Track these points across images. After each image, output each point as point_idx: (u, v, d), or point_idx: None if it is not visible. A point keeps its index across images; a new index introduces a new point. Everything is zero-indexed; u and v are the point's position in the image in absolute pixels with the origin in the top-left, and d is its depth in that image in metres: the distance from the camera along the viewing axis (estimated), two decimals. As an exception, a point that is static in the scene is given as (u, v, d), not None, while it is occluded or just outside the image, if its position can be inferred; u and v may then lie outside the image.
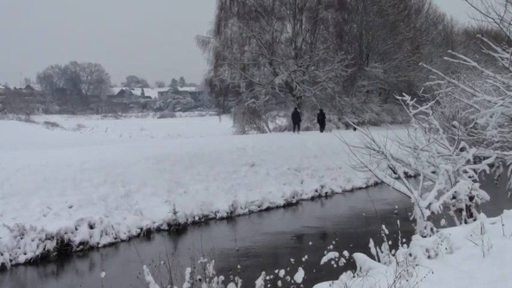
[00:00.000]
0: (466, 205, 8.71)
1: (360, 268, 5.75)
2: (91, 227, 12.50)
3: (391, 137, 9.92)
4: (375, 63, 40.12)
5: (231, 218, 15.46)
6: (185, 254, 5.75)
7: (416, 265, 5.33)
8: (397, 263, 5.32)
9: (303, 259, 5.17)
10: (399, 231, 6.03)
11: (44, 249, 11.44)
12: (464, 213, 8.63)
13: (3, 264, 10.78)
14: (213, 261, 5.42)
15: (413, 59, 39.42)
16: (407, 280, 5.11)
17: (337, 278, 5.19)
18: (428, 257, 6.26)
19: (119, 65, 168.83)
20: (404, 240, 6.13)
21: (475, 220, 8.32)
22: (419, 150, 9.62)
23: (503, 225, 6.78)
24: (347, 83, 36.71)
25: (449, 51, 12.56)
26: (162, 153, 17.61)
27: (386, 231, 5.99)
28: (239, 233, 13.64)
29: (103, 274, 4.99)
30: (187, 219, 14.31)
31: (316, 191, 19.04)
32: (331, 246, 5.44)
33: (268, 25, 34.66)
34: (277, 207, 16.95)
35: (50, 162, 14.68)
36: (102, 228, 12.59)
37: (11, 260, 10.94)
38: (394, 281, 4.93)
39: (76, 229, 12.26)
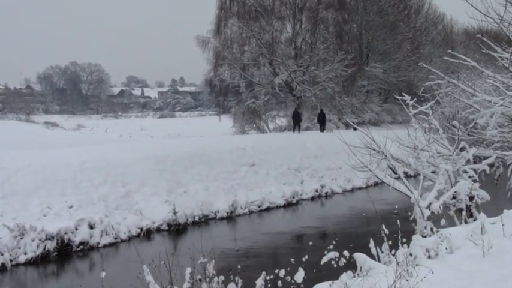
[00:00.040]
0: (466, 205, 8.71)
1: (360, 268, 5.75)
2: (91, 227, 12.50)
3: (391, 137, 9.92)
4: (374, 63, 40.13)
5: (231, 218, 15.46)
6: (185, 254, 5.75)
7: (416, 265, 5.33)
8: (397, 263, 5.32)
9: (303, 259, 5.17)
10: (399, 231, 6.03)
11: (44, 249, 11.44)
12: (464, 213, 8.63)
13: (3, 264, 10.77)
14: (213, 261, 5.42)
15: (413, 59, 39.43)
16: (407, 280, 5.11)
17: (337, 278, 5.19)
18: (429, 257, 6.27)
19: (119, 65, 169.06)
20: (404, 240, 6.13)
21: (475, 220, 8.32)
22: (419, 150, 9.63)
23: (503, 225, 6.78)
24: (347, 83, 36.72)
25: (449, 51, 12.55)
26: (162, 153, 17.61)
27: (387, 231, 5.99)
28: (239, 233, 13.64)
29: (103, 274, 4.99)
30: (187, 219, 14.31)
31: (316, 191, 19.04)
32: (331, 246, 5.44)
33: (268, 25, 34.66)
34: (277, 207, 16.95)
35: (50, 162, 14.68)
36: (102, 228, 12.59)
37: (11, 260, 10.94)
38: (394, 281, 4.93)
39: (76, 229, 12.26)
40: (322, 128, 30.55)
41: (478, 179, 9.36)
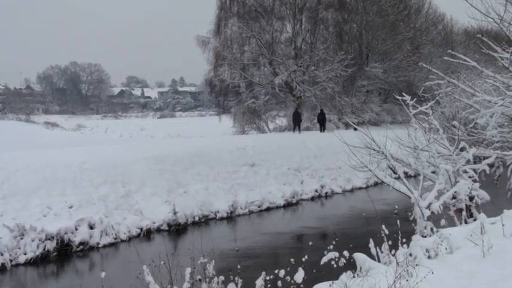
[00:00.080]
0: (466, 205, 8.71)
1: (360, 268, 5.75)
2: (91, 227, 12.50)
3: (391, 137, 9.92)
4: (374, 63, 40.14)
5: (231, 218, 15.46)
6: (185, 254, 5.75)
7: (416, 265, 5.33)
8: (397, 263, 5.32)
9: (303, 259, 5.17)
10: (399, 232, 6.03)
11: (44, 249, 11.44)
12: (464, 213, 8.63)
13: (3, 264, 10.77)
14: (213, 261, 5.42)
15: (413, 59, 39.43)
16: (407, 280, 5.11)
17: (337, 278, 5.19)
18: (429, 257, 6.27)
19: (119, 65, 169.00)
20: (404, 240, 6.13)
21: (475, 220, 8.32)
22: (419, 150, 9.62)
23: (503, 225, 6.78)
24: (347, 83, 36.72)
25: (449, 51, 12.55)
26: (162, 153, 17.61)
27: (387, 232, 5.98)
28: (239, 233, 13.64)
29: (103, 274, 4.99)
30: (187, 220, 14.31)
31: (316, 191, 19.04)
32: (331, 247, 5.44)
33: (268, 25, 34.66)
34: (277, 207, 16.95)
35: (50, 162, 14.68)
36: (102, 229, 12.59)
37: (11, 260, 10.94)
38: (394, 281, 4.93)
39: (76, 229, 12.26)
40: (323, 128, 30.55)
41: (478, 179, 9.36)
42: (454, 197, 8.65)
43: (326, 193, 19.26)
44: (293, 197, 17.74)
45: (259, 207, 16.49)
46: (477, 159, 12.92)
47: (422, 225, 7.82)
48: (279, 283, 5.11)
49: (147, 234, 13.41)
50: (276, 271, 5.06)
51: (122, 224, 13.19)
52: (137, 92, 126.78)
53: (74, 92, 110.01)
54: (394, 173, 9.51)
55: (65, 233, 11.95)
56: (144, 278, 5.13)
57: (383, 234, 6.02)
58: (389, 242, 6.14)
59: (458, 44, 48.33)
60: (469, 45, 44.62)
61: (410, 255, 5.98)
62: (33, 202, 12.78)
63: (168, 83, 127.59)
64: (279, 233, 13.64)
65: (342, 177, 20.56)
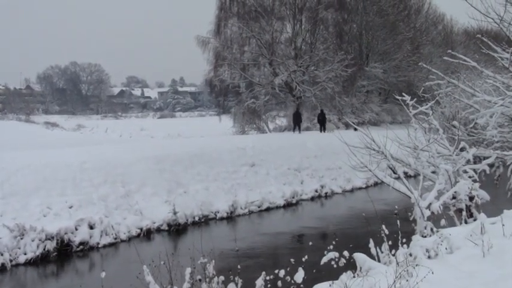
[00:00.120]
0: (466, 205, 8.71)
1: (360, 268, 5.75)
2: (91, 227, 12.50)
3: (391, 137, 9.92)
4: (374, 63, 40.14)
5: (231, 218, 15.46)
6: (185, 254, 5.75)
7: (416, 265, 5.33)
8: (397, 263, 5.32)
9: (303, 259, 5.17)
10: (399, 232, 6.02)
11: (44, 249, 11.44)
12: (464, 213, 8.63)
13: (3, 264, 10.77)
14: (213, 261, 5.42)
15: (413, 59, 39.44)
16: (407, 280, 5.11)
17: (337, 278, 5.19)
18: (429, 257, 6.26)
19: (119, 65, 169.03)
20: (404, 240, 6.13)
21: (475, 220, 8.32)
22: (419, 150, 9.63)
23: (503, 225, 6.78)
24: (347, 83, 36.72)
25: (449, 51, 12.56)
26: (162, 153, 17.61)
27: (387, 232, 5.98)
28: (239, 233, 13.64)
29: (103, 274, 4.99)
30: (187, 220, 14.30)
31: (316, 191, 19.04)
32: (331, 247, 5.44)
33: (268, 25, 34.66)
34: (277, 207, 16.95)
35: (50, 162, 14.68)
36: (102, 229, 12.59)
37: (11, 260, 10.94)
38: (394, 281, 4.93)
39: (76, 229, 12.25)
40: (323, 129, 30.55)
41: (478, 179, 9.36)
42: (454, 197, 8.65)
43: (326, 193, 19.26)
44: (293, 197, 17.74)
45: (259, 207, 16.49)
46: (477, 159, 12.93)
47: (422, 225, 7.82)
48: (279, 283, 5.11)
49: (147, 234, 13.41)
50: (276, 271, 5.06)
51: (121, 224, 13.19)
52: (137, 92, 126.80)
53: (74, 92, 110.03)
54: (394, 173, 9.52)
55: (65, 233, 11.95)
56: (144, 278, 5.13)
57: (383, 234, 6.02)
58: (390, 242, 6.14)
59: (458, 44, 48.33)
60: (469, 46, 44.64)
61: (410, 255, 5.98)
62: (33, 202, 12.78)
63: (168, 83, 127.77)
64: (279, 233, 13.64)
65: (342, 177, 20.56)
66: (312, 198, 18.57)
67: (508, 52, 10.53)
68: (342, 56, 34.22)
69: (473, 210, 8.84)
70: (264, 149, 20.57)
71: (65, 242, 11.89)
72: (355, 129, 10.60)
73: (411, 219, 8.10)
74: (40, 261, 11.29)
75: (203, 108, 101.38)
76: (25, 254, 11.20)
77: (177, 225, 13.97)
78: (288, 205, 17.29)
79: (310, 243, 7.07)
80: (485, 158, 10.76)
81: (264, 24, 34.65)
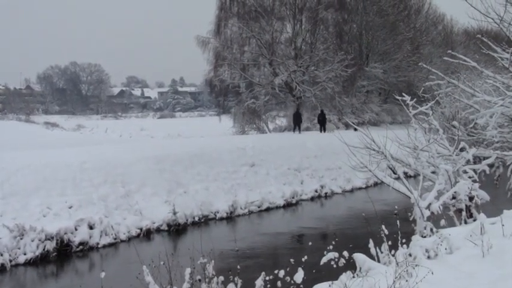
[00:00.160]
0: (466, 205, 8.71)
1: (360, 268, 5.75)
2: (91, 227, 12.50)
3: (391, 137, 9.92)
4: (374, 64, 40.15)
5: (230, 218, 15.46)
6: (185, 254, 5.75)
7: (416, 265, 5.33)
8: (397, 264, 5.33)
9: (303, 259, 5.17)
10: (399, 232, 6.02)
11: (44, 249, 11.43)
12: (464, 213, 8.63)
13: (3, 264, 10.77)
14: (213, 261, 5.42)
15: (413, 59, 39.45)
16: (407, 280, 5.11)
17: (336, 279, 5.20)
18: (428, 257, 6.26)
19: (119, 65, 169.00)
20: (404, 240, 6.13)
21: (474, 220, 8.32)
22: (419, 150, 9.62)
23: (503, 225, 6.78)
24: (347, 83, 36.73)
25: (449, 51, 12.55)
26: (162, 153, 17.61)
27: (386, 232, 5.98)
28: (239, 233, 13.64)
29: (103, 274, 4.99)
30: (187, 220, 14.30)
31: (316, 191, 19.03)
32: (331, 247, 5.44)
33: (268, 25, 34.66)
34: (277, 207, 16.95)
35: (50, 162, 14.68)
36: (102, 229, 12.59)
37: (10, 261, 10.94)
38: (394, 281, 4.93)
39: (76, 229, 12.25)
40: (323, 129, 30.55)
41: (477, 179, 9.36)
42: (453, 197, 8.65)
43: (326, 193, 19.26)
44: (293, 197, 17.73)
45: (259, 207, 16.49)
46: (477, 159, 12.92)
47: (422, 226, 7.82)
48: (279, 283, 5.11)
49: (146, 235, 13.40)
50: (276, 271, 5.06)
51: (121, 224, 13.18)
52: (137, 92, 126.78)
53: (73, 92, 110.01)
54: (394, 173, 9.52)
55: (65, 233, 11.95)
56: (144, 278, 5.13)
57: (383, 235, 6.02)
58: (389, 242, 6.13)
59: (458, 44, 48.34)
60: (469, 46, 44.65)
61: (410, 255, 5.98)
62: (33, 202, 12.78)
63: (168, 83, 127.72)
64: (278, 233, 13.63)
65: (342, 178, 20.55)
66: (312, 199, 18.57)
67: (508, 52, 10.53)
68: (342, 56, 34.22)
69: (473, 211, 8.84)
70: (264, 149, 20.57)
71: (65, 242, 11.89)
72: (355, 130, 10.60)
73: (411, 219, 8.09)
74: (40, 261, 11.29)
75: (203, 108, 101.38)
76: (25, 254, 11.20)
77: (177, 226, 13.97)
78: (287, 205, 17.29)
79: (310, 243, 7.07)
80: (485, 158, 10.76)
81: (264, 24, 34.66)
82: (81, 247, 12.06)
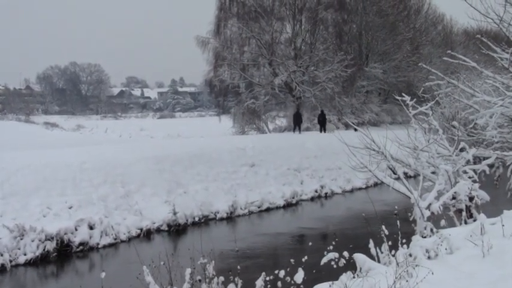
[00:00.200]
0: (466, 205, 8.71)
1: (360, 269, 5.75)
2: (91, 227, 12.50)
3: (391, 138, 9.92)
4: (374, 64, 40.15)
5: (230, 218, 15.46)
6: (185, 254, 5.75)
7: (416, 266, 5.33)
8: (397, 264, 5.33)
9: (303, 260, 5.17)
10: (399, 232, 6.02)
11: (44, 249, 11.44)
12: (464, 213, 8.63)
13: (3, 265, 10.77)
14: (213, 261, 5.42)
15: (412, 60, 39.45)
16: (407, 281, 5.11)
17: (337, 279, 5.20)
18: (428, 257, 6.26)
19: (119, 65, 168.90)
20: (404, 240, 6.13)
21: (475, 221, 8.31)
22: (419, 150, 9.62)
23: (503, 225, 6.78)
24: (347, 84, 36.74)
25: (449, 51, 12.54)
26: (161, 153, 17.61)
27: (386, 232, 5.98)
28: (239, 233, 13.64)
29: (103, 275, 4.99)
30: (187, 220, 14.30)
31: (316, 191, 19.04)
32: (331, 247, 5.44)
33: (268, 25, 34.66)
34: (277, 207, 16.95)
35: (50, 162, 14.68)
36: (102, 229, 12.59)
37: (10, 261, 10.94)
38: (394, 281, 4.93)
39: (76, 230, 12.25)
40: (323, 129, 30.55)
41: (477, 180, 9.36)
42: (453, 198, 8.65)
43: (326, 193, 19.26)
44: (293, 198, 17.74)
45: (259, 207, 16.49)
46: (477, 159, 12.92)
47: (422, 226, 7.82)
48: (279, 284, 5.11)
49: (146, 235, 13.41)
50: (276, 272, 5.06)
51: (121, 225, 13.19)
52: (137, 92, 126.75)
53: (73, 92, 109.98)
54: (394, 173, 9.52)
55: (65, 234, 11.95)
56: (144, 278, 5.13)
57: (383, 235, 6.02)
58: (389, 243, 6.13)
59: (458, 44, 48.33)
60: (469, 46, 44.64)
61: (410, 255, 5.98)
62: (33, 202, 12.78)
63: (167, 83, 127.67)
64: (278, 234, 13.64)
65: (342, 178, 20.56)
66: (312, 199, 18.57)
67: (507, 52, 10.54)
68: (342, 56, 34.21)
69: (473, 211, 8.84)
70: (263, 150, 20.57)
71: (65, 242, 11.89)
72: (355, 130, 10.60)
73: (411, 219, 8.09)
74: (40, 261, 11.29)
75: (203, 108, 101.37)
76: (25, 254, 11.20)
77: (177, 226, 13.97)
78: (287, 205, 17.29)
79: (310, 243, 7.07)
80: (485, 158, 10.76)
81: (263, 25, 34.66)
82: (81, 247, 12.06)
